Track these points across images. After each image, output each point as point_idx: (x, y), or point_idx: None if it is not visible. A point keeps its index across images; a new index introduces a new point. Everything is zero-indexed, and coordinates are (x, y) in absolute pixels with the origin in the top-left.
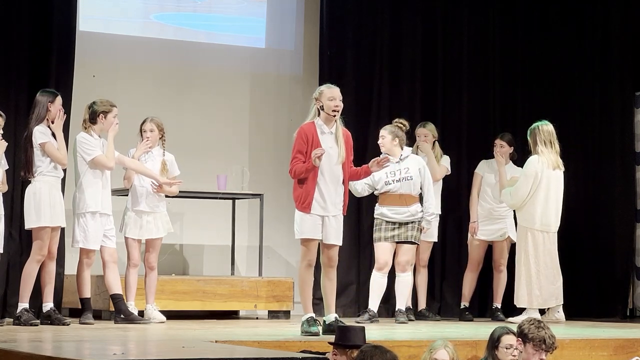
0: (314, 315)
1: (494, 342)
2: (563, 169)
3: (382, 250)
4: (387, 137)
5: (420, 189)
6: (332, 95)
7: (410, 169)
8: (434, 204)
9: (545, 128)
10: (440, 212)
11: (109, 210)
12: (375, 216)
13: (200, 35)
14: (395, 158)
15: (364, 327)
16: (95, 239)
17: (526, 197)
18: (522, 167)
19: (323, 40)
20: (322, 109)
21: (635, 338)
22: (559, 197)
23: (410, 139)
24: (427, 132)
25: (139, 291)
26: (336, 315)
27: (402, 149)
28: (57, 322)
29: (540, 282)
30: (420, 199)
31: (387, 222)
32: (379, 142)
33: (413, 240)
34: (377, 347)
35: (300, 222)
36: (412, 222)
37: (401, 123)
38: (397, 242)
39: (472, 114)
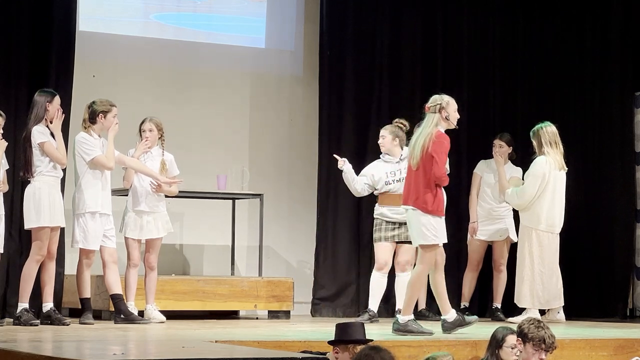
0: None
1: (498, 342)
2: (566, 169)
3: (382, 250)
4: (388, 137)
5: None
6: (456, 107)
7: None
8: None
9: (550, 129)
10: None
11: (109, 211)
12: (375, 216)
13: (200, 35)
14: (395, 158)
15: (363, 323)
16: (94, 239)
17: (533, 197)
18: (521, 167)
19: (323, 40)
20: (447, 119)
21: (635, 338)
22: (563, 198)
23: (409, 139)
24: None
25: (139, 291)
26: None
27: (402, 149)
28: (57, 322)
29: (543, 283)
30: None
31: (387, 222)
32: (379, 141)
33: None
34: (375, 347)
35: (436, 227)
36: None
37: (401, 123)
38: (397, 242)
39: (472, 114)
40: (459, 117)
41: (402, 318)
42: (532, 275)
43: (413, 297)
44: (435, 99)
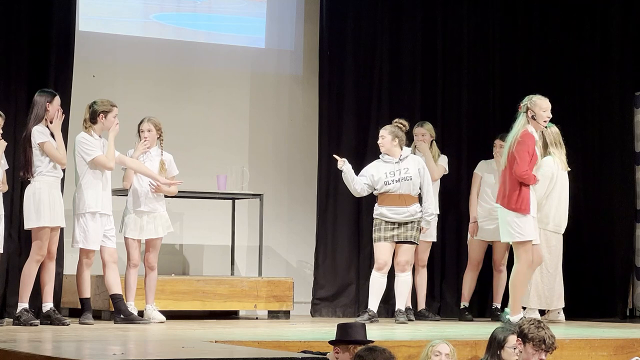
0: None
1: (499, 343)
2: (569, 169)
3: (382, 250)
4: (387, 137)
5: (420, 189)
6: (546, 106)
7: (410, 169)
8: (433, 204)
9: (553, 130)
10: (438, 212)
11: (109, 211)
12: (374, 216)
13: (200, 35)
14: (395, 158)
15: (364, 324)
16: (95, 239)
17: (542, 198)
18: None
19: (323, 40)
20: (534, 118)
21: (635, 338)
22: (567, 198)
23: (408, 139)
24: (424, 132)
25: (138, 291)
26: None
27: (401, 149)
28: (56, 322)
29: (550, 283)
30: (420, 199)
31: (386, 222)
32: (378, 142)
33: (412, 240)
34: (370, 348)
35: (520, 225)
36: (411, 222)
37: (401, 123)
38: (397, 242)
39: (472, 114)
40: (550, 116)
41: (513, 318)
42: (540, 275)
43: (517, 296)
44: (525, 99)
